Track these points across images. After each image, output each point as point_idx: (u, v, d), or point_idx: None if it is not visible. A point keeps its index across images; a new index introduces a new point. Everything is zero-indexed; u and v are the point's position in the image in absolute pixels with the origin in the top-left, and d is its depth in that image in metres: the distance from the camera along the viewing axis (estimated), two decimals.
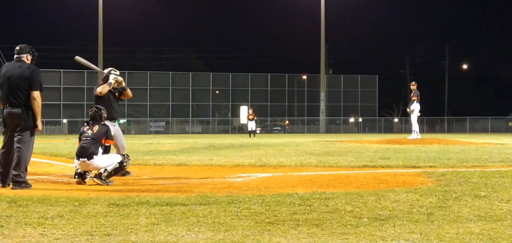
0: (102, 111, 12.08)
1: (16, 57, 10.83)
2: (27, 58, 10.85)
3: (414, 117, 30.12)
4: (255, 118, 50.58)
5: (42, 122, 10.92)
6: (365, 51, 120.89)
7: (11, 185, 10.54)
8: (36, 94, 10.60)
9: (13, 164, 10.60)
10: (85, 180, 11.37)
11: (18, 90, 10.54)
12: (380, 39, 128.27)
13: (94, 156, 11.35)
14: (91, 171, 11.57)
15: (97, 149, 11.53)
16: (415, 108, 29.97)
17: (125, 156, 12.00)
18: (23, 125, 10.58)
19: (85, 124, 12.00)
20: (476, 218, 7.33)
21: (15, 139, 10.65)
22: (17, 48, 10.88)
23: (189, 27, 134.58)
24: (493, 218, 7.37)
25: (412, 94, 30.45)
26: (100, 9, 71.24)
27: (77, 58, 13.61)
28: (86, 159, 11.34)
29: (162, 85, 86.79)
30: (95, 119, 11.92)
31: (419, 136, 30.01)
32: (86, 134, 11.63)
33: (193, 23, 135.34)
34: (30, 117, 10.62)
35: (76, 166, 11.51)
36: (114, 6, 77.62)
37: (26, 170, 10.70)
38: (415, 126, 30.07)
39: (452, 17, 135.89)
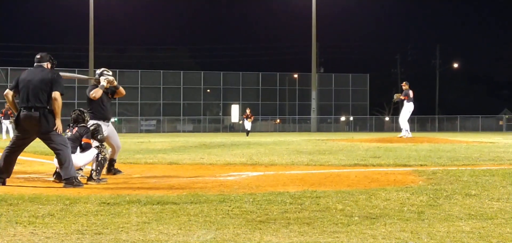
0: (85, 114, 12.15)
1: (37, 65, 10.97)
2: (47, 65, 11.03)
3: (403, 116, 30.10)
4: (252, 118, 50.83)
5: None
6: (356, 50, 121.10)
7: (63, 184, 10.69)
8: (57, 94, 10.67)
9: (60, 166, 10.80)
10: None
11: (39, 92, 10.60)
12: (371, 38, 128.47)
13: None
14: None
15: (75, 148, 11.55)
16: (406, 108, 29.90)
17: (99, 146, 11.95)
18: (43, 129, 10.62)
19: (68, 126, 12.06)
20: (466, 217, 7.35)
21: (50, 146, 10.78)
22: (38, 56, 11.05)
23: (180, 26, 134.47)
24: (484, 216, 7.39)
25: (402, 94, 30.38)
26: (91, 8, 71.15)
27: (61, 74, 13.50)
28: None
29: (153, 84, 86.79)
30: (77, 121, 11.98)
31: (410, 135, 29.96)
32: (66, 135, 11.74)
33: (185, 22, 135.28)
34: (49, 121, 10.64)
35: (56, 165, 11.53)
36: (105, 5, 77.53)
37: (72, 165, 10.83)
38: (403, 124, 30.04)
39: (443, 16, 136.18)
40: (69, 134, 11.78)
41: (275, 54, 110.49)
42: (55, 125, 10.69)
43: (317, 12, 76.42)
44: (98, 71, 13.06)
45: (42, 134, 10.69)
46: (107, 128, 12.99)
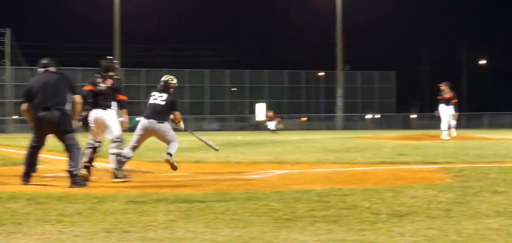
0: (114, 62, 12.38)
1: (45, 70, 11.13)
2: (54, 70, 11.22)
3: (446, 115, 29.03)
4: (275, 119, 51.64)
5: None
6: (383, 47, 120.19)
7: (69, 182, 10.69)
8: (78, 97, 11.06)
9: (70, 162, 10.78)
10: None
11: (57, 93, 10.79)
12: (397, 35, 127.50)
13: (110, 108, 11.86)
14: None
15: (111, 101, 11.88)
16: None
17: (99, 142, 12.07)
18: (63, 128, 10.75)
19: (99, 75, 12.10)
20: (494, 214, 7.31)
21: (65, 143, 10.85)
22: (45, 61, 11.25)
23: (206, 24, 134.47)
24: None
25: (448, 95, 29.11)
26: (116, 6, 71.49)
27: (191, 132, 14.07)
28: (101, 109, 11.82)
29: (179, 83, 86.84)
30: (109, 69, 12.15)
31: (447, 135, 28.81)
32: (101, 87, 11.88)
33: (210, 20, 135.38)
34: (68, 120, 10.82)
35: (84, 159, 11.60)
36: (131, 3, 77.80)
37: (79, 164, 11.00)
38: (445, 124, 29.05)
39: (470, 11, 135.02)
40: (103, 86, 11.86)
41: (300, 52, 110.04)
42: (72, 124, 10.89)
43: (343, 9, 76.24)
44: (163, 78, 13.33)
45: (61, 133, 10.82)
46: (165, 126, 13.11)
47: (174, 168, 12.35)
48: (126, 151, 12.20)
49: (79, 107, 10.99)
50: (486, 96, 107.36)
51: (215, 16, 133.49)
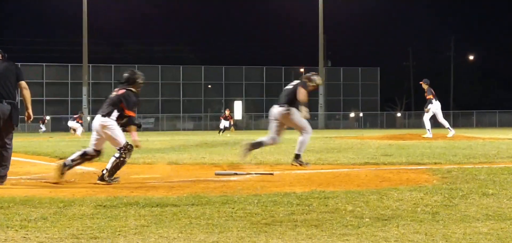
0: (138, 75, 11.86)
1: None
2: (0, 57, 11.22)
3: (427, 115, 29.65)
4: (232, 120, 52.94)
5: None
6: (366, 42, 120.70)
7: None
8: (25, 83, 11.07)
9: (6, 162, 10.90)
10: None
11: (7, 83, 10.84)
12: (381, 30, 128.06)
13: (109, 117, 11.36)
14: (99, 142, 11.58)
15: (113, 111, 11.42)
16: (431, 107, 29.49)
17: (127, 146, 11.50)
18: (14, 121, 10.87)
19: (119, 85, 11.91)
20: (484, 217, 7.34)
21: (4, 139, 10.88)
22: None
23: (179, 18, 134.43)
24: (502, 217, 7.38)
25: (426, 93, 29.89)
26: (84, 0, 71.16)
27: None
28: (99, 116, 11.46)
29: (151, 79, 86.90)
30: (128, 82, 11.73)
31: (430, 135, 29.18)
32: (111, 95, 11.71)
33: (184, 14, 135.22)
34: (18, 114, 10.94)
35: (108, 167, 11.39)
36: None
37: None
38: (427, 124, 29.53)
39: (458, 6, 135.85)
40: (113, 93, 11.63)
41: (280, 47, 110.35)
42: (29, 113, 11.05)
43: (324, 2, 76.42)
44: (304, 75, 14.23)
45: (7, 128, 10.85)
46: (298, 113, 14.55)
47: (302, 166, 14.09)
48: (266, 139, 14.60)
49: (27, 93, 10.96)
50: (474, 94, 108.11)
51: (190, 10, 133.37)
